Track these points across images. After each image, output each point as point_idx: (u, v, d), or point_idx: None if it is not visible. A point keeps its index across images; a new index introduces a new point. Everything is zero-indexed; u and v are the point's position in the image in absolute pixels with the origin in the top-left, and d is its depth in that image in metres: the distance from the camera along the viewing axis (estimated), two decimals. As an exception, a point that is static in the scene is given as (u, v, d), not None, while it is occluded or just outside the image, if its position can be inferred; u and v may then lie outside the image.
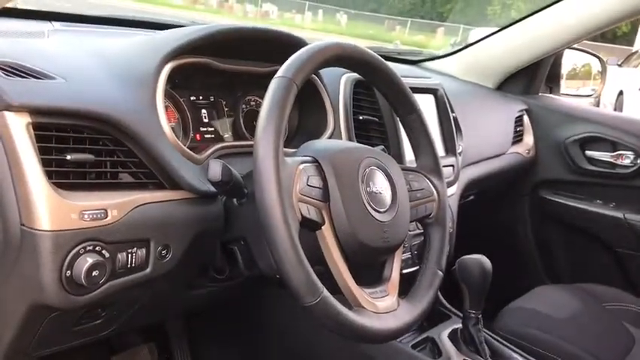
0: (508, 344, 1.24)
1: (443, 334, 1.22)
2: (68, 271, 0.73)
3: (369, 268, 0.88)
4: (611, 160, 1.68)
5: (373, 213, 0.83)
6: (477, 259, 1.15)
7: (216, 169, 0.80)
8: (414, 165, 1.00)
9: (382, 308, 0.84)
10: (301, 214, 0.76)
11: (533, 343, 1.27)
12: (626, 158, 1.66)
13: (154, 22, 1.19)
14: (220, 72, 1.00)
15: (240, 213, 0.90)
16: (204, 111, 1.05)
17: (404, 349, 1.17)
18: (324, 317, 0.74)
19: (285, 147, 1.05)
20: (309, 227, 0.78)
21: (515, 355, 1.21)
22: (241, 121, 1.09)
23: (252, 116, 1.11)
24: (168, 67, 0.88)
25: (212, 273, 0.98)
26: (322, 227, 0.79)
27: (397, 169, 0.91)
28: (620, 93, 7.35)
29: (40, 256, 0.71)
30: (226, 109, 1.08)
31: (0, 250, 0.73)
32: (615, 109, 7.07)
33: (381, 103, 1.21)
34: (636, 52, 9.14)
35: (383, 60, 0.93)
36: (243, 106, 1.11)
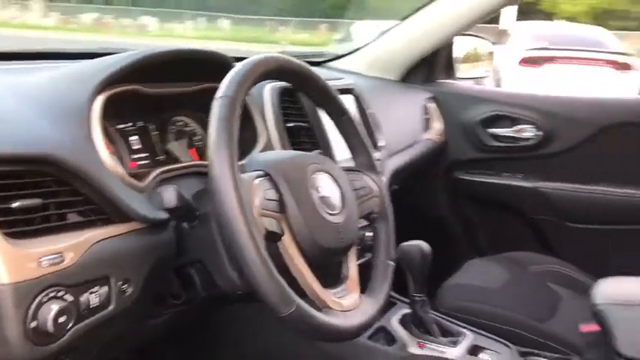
0: (454, 320, 1.32)
1: (393, 321, 1.27)
2: (33, 322, 0.70)
3: (328, 269, 0.91)
4: (514, 134, 1.81)
5: (327, 216, 0.86)
6: (416, 244, 1.21)
7: (171, 195, 0.80)
8: (347, 165, 1.04)
9: (348, 306, 0.87)
10: (264, 228, 0.77)
11: (474, 315, 1.35)
12: (527, 132, 1.79)
13: (70, 53, 1.15)
14: (147, 97, 0.98)
15: (193, 236, 0.90)
16: (133, 138, 1.02)
17: (361, 342, 1.21)
18: (300, 324, 0.76)
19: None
20: (271, 239, 0.79)
21: (462, 330, 1.28)
22: (172, 143, 1.08)
23: (182, 137, 1.10)
24: (100, 98, 0.86)
25: (169, 299, 0.97)
26: (282, 238, 0.81)
27: (340, 170, 0.94)
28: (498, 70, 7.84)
29: (3, 310, 0.68)
30: (155, 133, 1.07)
31: None
32: (495, 86, 7.53)
33: (306, 109, 1.24)
34: (505, 30, 9.76)
35: (310, 67, 0.96)
36: (172, 127, 1.09)
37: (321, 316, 0.79)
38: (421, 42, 1.83)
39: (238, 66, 0.83)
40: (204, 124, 1.13)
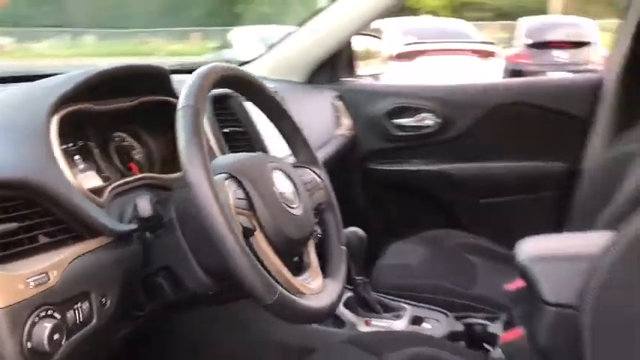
0: (392, 297, 1.42)
1: (340, 305, 1.35)
2: (29, 343, 0.70)
3: (292, 259, 0.97)
4: (416, 123, 1.96)
5: (289, 210, 0.92)
6: (353, 231, 1.31)
7: (145, 204, 0.83)
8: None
9: (316, 289, 0.94)
10: (240, 225, 0.82)
11: (409, 290, 1.47)
12: (428, 119, 1.95)
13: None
14: (90, 115, 0.99)
15: (158, 244, 0.93)
16: (77, 157, 1.03)
17: (314, 328, 1.28)
18: (284, 309, 0.82)
19: (164, 173, 1.09)
20: (246, 235, 0.85)
21: (402, 305, 1.39)
22: (114, 159, 1.09)
23: (121, 153, 1.12)
24: (56, 118, 0.87)
25: (133, 312, 0.98)
26: (255, 233, 0.86)
27: (290, 167, 1.01)
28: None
29: (0, 334, 0.68)
30: (96, 150, 1.07)
31: None
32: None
33: (238, 114, 1.29)
34: (378, 28, 10.21)
35: (253, 75, 1.01)
36: (112, 143, 1.10)
37: (301, 301, 0.86)
38: (323, 44, 1.93)
39: (192, 77, 0.87)
40: (139, 139, 1.15)
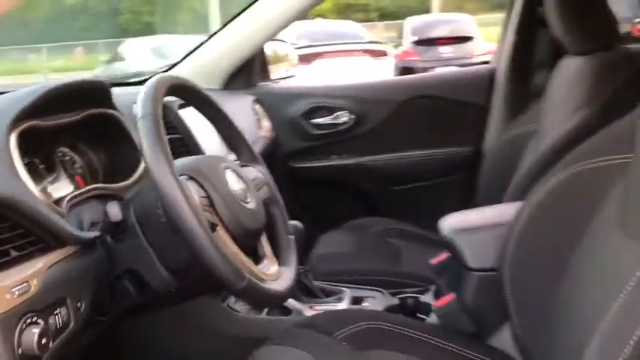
0: (330, 283, 1.53)
1: None
2: (20, 349, 0.74)
3: (250, 249, 1.05)
4: (332, 121, 2.08)
5: (245, 205, 1.00)
6: (292, 224, 1.40)
7: (115, 210, 0.88)
8: None
9: (274, 275, 1.02)
10: (207, 220, 0.89)
11: (345, 275, 1.58)
12: (343, 117, 2.08)
13: None
14: (37, 132, 1.02)
15: (121, 248, 0.98)
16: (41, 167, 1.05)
17: (266, 318, 1.36)
18: (253, 294, 0.90)
19: (113, 183, 1.13)
20: (211, 230, 0.91)
21: (341, 288, 1.50)
22: (60, 174, 1.11)
23: (65, 168, 1.14)
24: (15, 134, 0.89)
25: (95, 316, 1.02)
26: (217, 228, 0.93)
27: (238, 166, 1.08)
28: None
29: None
30: (42, 166, 1.09)
31: None
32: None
33: (174, 122, 1.34)
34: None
35: (195, 84, 1.08)
36: (55, 158, 1.12)
37: (265, 285, 0.94)
38: (237, 50, 2.00)
39: (144, 88, 0.93)
40: (81, 153, 1.18)
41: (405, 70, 8.19)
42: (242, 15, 1.96)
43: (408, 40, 9.08)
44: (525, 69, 1.96)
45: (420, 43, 8.87)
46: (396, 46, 9.47)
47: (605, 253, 0.92)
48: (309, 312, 1.40)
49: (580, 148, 1.11)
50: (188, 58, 2.06)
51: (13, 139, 0.89)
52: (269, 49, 2.31)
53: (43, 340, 0.77)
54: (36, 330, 0.76)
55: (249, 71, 2.09)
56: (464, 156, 2.07)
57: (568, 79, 1.55)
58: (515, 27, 1.96)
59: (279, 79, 2.28)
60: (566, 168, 1.09)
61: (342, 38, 8.41)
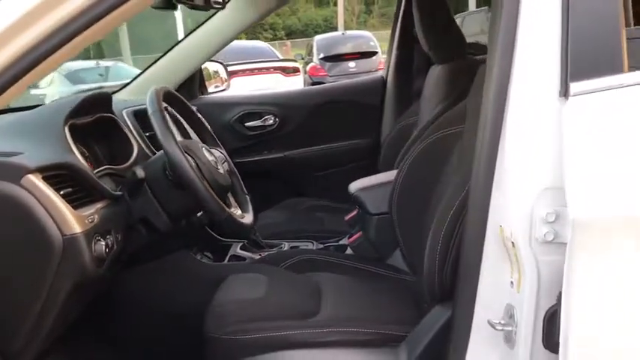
0: (271, 241, 2.03)
1: (238, 250, 1.94)
2: (94, 252, 1.20)
3: (224, 199, 1.54)
4: (262, 124, 2.59)
5: (218, 169, 1.50)
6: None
7: (140, 171, 1.35)
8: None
9: (241, 216, 1.53)
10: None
11: (283, 235, 2.10)
12: (270, 120, 2.59)
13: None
14: (74, 128, 1.46)
15: (137, 203, 1.44)
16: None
17: (225, 264, 1.85)
18: (232, 223, 1.40)
19: (115, 165, 1.58)
20: None
21: (282, 242, 2.01)
22: (99, 155, 1.57)
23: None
24: (67, 127, 1.35)
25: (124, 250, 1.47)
26: (204, 182, 1.43)
27: (208, 148, 1.58)
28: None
29: (81, 247, 1.17)
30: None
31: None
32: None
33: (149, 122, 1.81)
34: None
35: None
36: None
37: (238, 218, 1.44)
38: (182, 70, 2.47)
39: (149, 94, 1.41)
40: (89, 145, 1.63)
41: (316, 85, 8.81)
42: (185, 40, 2.44)
43: (317, 56, 9.74)
44: (407, 76, 2.55)
45: (328, 59, 9.57)
46: (306, 63, 10.11)
47: (445, 191, 1.40)
48: (257, 256, 1.90)
49: (435, 124, 1.66)
50: (138, 78, 2.51)
51: (67, 130, 1.35)
52: (210, 67, 2.80)
53: (107, 250, 1.23)
54: (103, 242, 1.23)
55: (190, 86, 2.56)
56: (366, 146, 2.64)
57: (434, 82, 2.14)
58: (397, 44, 2.57)
59: (215, 92, 2.77)
60: (426, 139, 1.64)
61: (255, 57, 8.91)
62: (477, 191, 1.07)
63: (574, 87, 0.94)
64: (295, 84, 8.61)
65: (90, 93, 1.49)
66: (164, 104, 1.78)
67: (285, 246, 1.98)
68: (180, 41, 2.47)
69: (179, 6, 1.54)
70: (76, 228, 1.16)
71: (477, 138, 1.07)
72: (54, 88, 9.14)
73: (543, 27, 0.96)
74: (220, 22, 2.40)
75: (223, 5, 1.82)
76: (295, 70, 8.73)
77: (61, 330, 1.27)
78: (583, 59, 0.94)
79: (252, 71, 8.38)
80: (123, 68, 10.97)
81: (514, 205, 0.99)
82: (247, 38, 15.58)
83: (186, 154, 1.40)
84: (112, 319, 1.71)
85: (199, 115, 1.66)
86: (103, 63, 11.13)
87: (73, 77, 9.56)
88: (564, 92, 0.95)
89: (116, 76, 9.89)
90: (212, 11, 2.37)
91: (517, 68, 0.98)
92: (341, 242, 2.01)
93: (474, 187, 1.10)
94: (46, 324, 1.17)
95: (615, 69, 0.94)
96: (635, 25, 0.97)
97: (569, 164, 0.91)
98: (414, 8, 2.06)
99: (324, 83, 8.75)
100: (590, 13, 0.94)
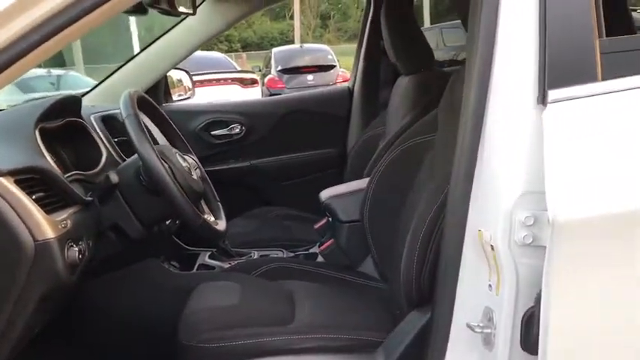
0: (240, 250, 2.02)
1: (207, 259, 1.91)
2: (67, 259, 1.17)
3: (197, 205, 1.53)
4: (228, 132, 2.57)
5: (192, 175, 1.48)
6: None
7: (114, 176, 1.32)
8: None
9: (215, 222, 1.51)
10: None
11: (252, 243, 2.08)
12: (236, 129, 2.58)
13: None
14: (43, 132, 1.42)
15: (107, 208, 1.41)
16: None
17: (194, 273, 1.83)
18: (206, 230, 1.38)
19: (83, 171, 1.55)
20: None
21: (251, 250, 1.99)
22: (66, 160, 1.52)
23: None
24: (37, 130, 1.31)
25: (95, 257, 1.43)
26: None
27: (182, 155, 1.56)
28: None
29: (53, 254, 1.13)
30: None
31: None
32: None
33: (121, 127, 1.78)
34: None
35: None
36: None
37: (212, 225, 1.42)
38: (147, 76, 2.43)
39: (123, 98, 1.39)
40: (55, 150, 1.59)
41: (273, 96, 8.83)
42: (150, 47, 2.41)
43: (275, 68, 9.77)
44: (374, 87, 2.59)
45: (286, 71, 9.60)
46: (264, 75, 10.12)
47: (420, 198, 1.44)
48: (227, 265, 1.88)
49: (405, 133, 1.69)
50: (102, 85, 2.46)
51: (37, 133, 1.31)
52: (174, 75, 2.77)
53: (80, 256, 1.20)
54: (76, 248, 1.19)
55: (155, 93, 2.53)
56: (333, 155, 2.65)
57: (401, 93, 2.18)
58: (363, 55, 2.60)
59: (178, 100, 2.74)
60: (397, 147, 1.66)
61: (212, 68, 8.87)
62: (456, 196, 1.10)
63: (552, 94, 0.97)
64: (253, 95, 8.61)
65: (60, 96, 1.46)
66: (111, 114, 1.76)
67: (255, 254, 1.96)
68: (145, 48, 2.44)
69: (132, 18, 1.53)
70: (49, 233, 1.13)
71: (457, 144, 1.10)
72: (3, 96, 8.87)
73: (521, 37, 1.00)
74: (187, 30, 2.38)
75: (194, 11, 1.82)
76: (253, 82, 8.73)
77: (30, 337, 1.23)
78: (560, 68, 0.98)
79: (209, 82, 8.33)
80: (75, 77, 10.73)
81: (494, 209, 1.02)
82: (203, 49, 15.49)
83: (161, 160, 1.39)
84: (83, 326, 1.66)
85: (171, 122, 1.64)
86: (55, 72, 10.87)
87: (23, 86, 9.29)
88: (542, 99, 0.98)
89: (68, 86, 9.67)
90: (172, 20, 2.37)
91: (496, 76, 1.01)
92: (311, 250, 2.01)
93: (452, 193, 1.12)
94: (16, 330, 1.13)
95: (590, 78, 0.98)
96: (607, 36, 1.01)
97: (550, 169, 0.94)
98: (382, 19, 2.10)
99: (280, 95, 8.88)
100: (565, 25, 0.98)
